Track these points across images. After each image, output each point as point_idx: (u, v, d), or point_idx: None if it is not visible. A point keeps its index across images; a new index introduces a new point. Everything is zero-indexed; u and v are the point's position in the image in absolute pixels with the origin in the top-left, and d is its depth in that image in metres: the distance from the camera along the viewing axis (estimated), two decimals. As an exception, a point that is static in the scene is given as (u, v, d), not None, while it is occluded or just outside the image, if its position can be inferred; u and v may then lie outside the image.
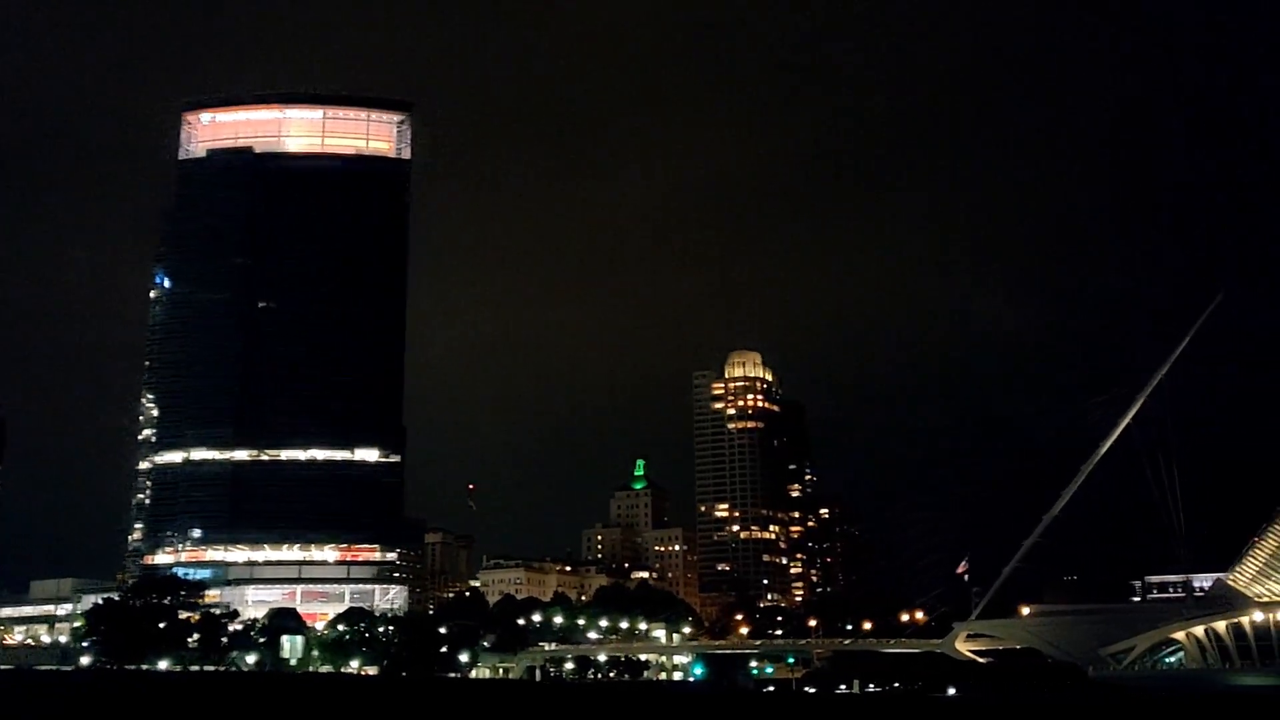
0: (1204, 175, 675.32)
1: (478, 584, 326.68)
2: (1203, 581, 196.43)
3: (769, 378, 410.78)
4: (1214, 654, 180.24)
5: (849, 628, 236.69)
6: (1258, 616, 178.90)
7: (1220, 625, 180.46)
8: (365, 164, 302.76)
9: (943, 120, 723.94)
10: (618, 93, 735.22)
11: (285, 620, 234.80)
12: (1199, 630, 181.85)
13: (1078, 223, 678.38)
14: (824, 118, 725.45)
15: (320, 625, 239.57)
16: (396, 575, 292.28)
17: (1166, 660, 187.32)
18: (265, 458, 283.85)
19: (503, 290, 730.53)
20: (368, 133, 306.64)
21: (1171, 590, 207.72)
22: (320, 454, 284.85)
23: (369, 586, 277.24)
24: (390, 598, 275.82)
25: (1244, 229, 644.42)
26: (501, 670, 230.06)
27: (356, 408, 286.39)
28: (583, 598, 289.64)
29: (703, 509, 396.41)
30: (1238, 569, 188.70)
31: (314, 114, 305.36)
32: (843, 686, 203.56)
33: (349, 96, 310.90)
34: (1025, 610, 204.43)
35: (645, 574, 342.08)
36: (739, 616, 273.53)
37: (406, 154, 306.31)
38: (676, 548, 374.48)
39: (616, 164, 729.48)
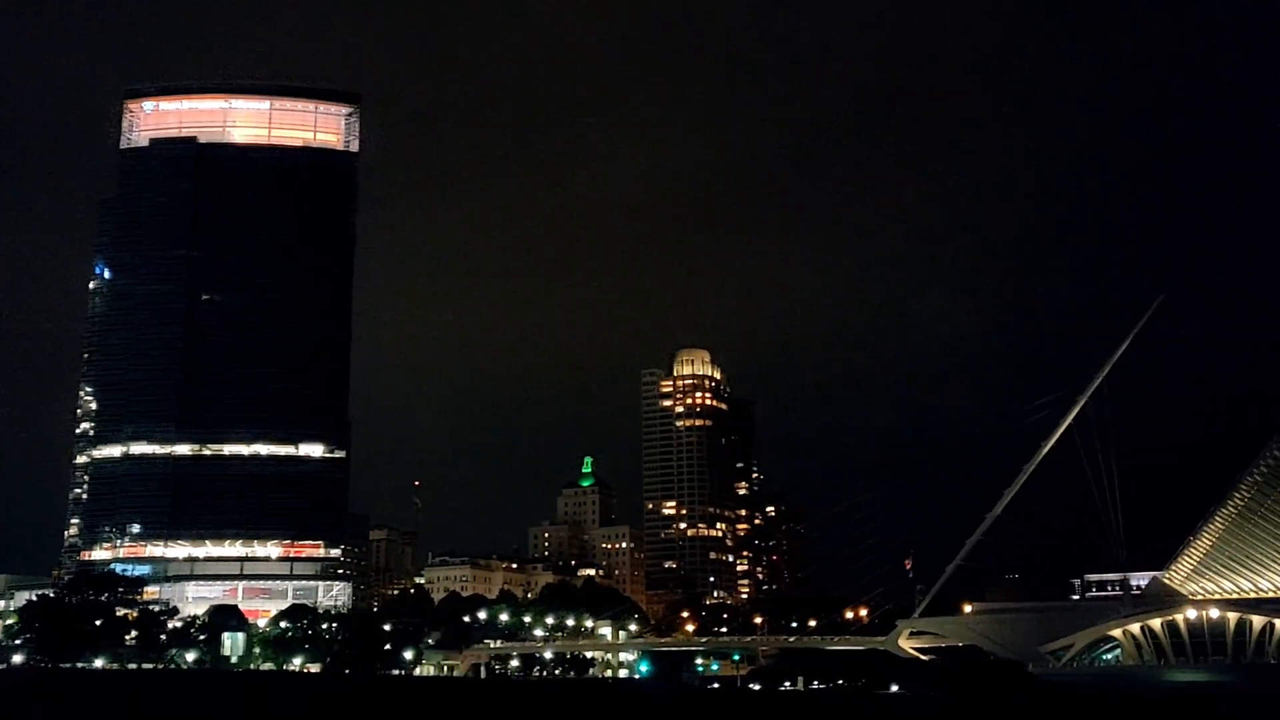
0: (1148, 183, 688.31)
1: (423, 581, 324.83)
2: (1140, 580, 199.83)
3: (718, 376, 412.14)
4: (1150, 651, 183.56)
5: (794, 625, 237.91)
6: (1191, 614, 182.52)
7: (1156, 623, 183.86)
8: (312, 156, 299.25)
9: (896, 125, 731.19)
10: (571, 92, 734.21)
11: (226, 617, 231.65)
12: (1135, 628, 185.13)
13: (1026, 227, 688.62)
14: (777, 120, 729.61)
15: (263, 622, 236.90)
16: (341, 572, 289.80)
17: (1104, 657, 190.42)
18: (207, 453, 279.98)
19: (451, 286, 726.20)
20: (315, 125, 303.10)
21: (1110, 589, 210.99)
22: (264, 449, 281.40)
23: (312, 583, 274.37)
24: (334, 594, 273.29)
25: (1186, 236, 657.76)
26: (446, 668, 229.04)
27: (301, 403, 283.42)
28: (529, 595, 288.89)
29: (650, 506, 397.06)
30: (1173, 568, 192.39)
31: (260, 105, 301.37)
32: (787, 683, 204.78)
33: (296, 87, 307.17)
34: (968, 608, 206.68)
35: (592, 571, 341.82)
36: (685, 614, 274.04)
37: (355, 147, 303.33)
38: (623, 545, 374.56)
39: (569, 163, 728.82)
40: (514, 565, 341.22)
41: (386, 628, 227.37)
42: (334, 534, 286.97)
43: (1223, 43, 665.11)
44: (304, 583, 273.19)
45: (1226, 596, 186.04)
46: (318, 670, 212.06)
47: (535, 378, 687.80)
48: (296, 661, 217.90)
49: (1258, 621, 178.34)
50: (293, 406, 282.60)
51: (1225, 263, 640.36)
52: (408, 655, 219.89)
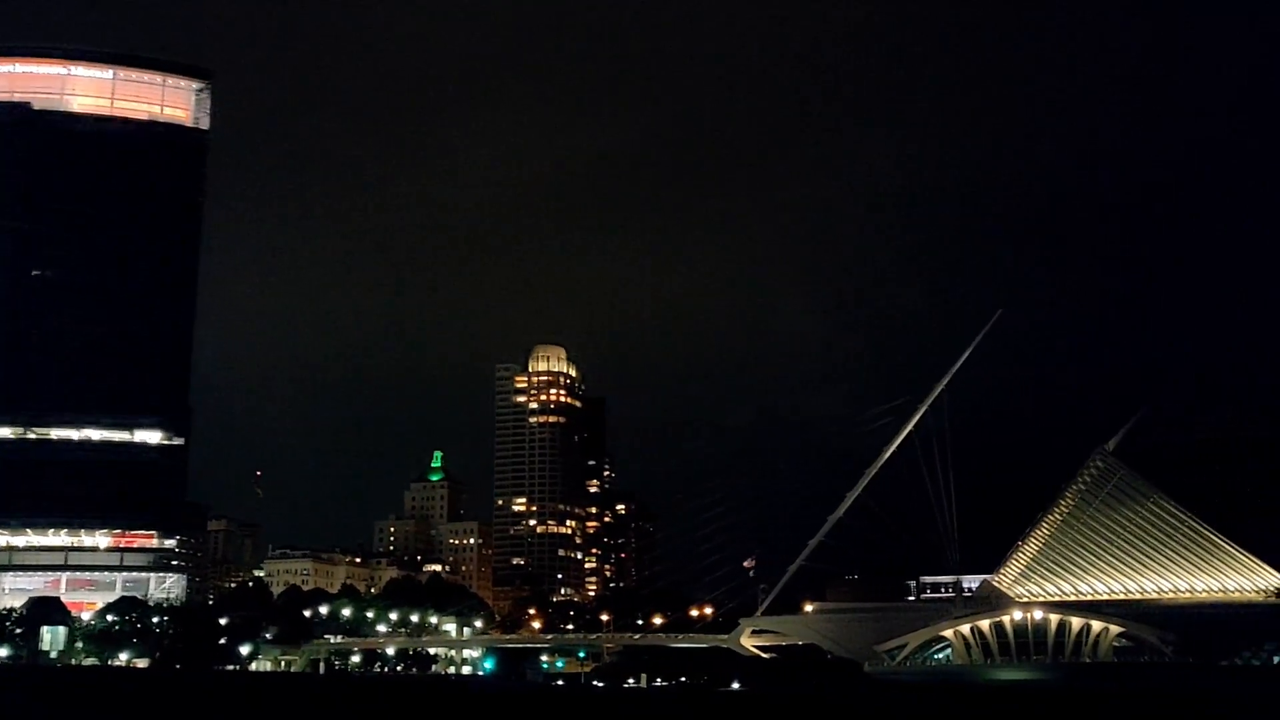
0: (985, 198, 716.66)
1: (262, 574, 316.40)
2: (971, 583, 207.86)
3: (573, 373, 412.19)
4: (978, 650, 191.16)
5: (640, 622, 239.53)
6: (1017, 615, 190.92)
7: (984, 624, 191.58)
8: (159, 131, 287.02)
9: (755, 129, 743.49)
10: (436, 81, 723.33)
11: (46, 610, 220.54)
12: (965, 628, 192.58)
13: (879, 239, 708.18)
14: (639, 120, 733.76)
15: (87, 616, 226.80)
16: (175, 563, 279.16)
17: (936, 656, 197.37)
18: (32, 436, 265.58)
19: (303, 272, 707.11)
20: (163, 99, 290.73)
21: (944, 590, 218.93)
22: (95, 434, 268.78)
23: (144, 575, 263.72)
24: (167, 587, 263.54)
25: (1022, 250, 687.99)
26: (284, 663, 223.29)
27: (138, 387, 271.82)
28: (373, 590, 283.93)
29: (500, 503, 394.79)
30: (1002, 571, 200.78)
31: (103, 74, 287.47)
32: (630, 680, 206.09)
33: (142, 58, 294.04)
34: (809, 607, 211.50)
35: (439, 567, 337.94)
36: (532, 611, 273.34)
37: (205, 124, 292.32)
38: (472, 541, 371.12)
39: (429, 153, 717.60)
40: (358, 559, 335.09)
41: (222, 622, 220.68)
42: (169, 524, 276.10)
43: (1066, 57, 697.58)
44: (135, 574, 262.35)
45: (1050, 599, 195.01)
46: (145, 665, 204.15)
47: (387, 370, 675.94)
48: (123, 657, 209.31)
49: (1076, 623, 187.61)
50: (129, 390, 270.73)
51: (1059, 280, 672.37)
52: (244, 650, 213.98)
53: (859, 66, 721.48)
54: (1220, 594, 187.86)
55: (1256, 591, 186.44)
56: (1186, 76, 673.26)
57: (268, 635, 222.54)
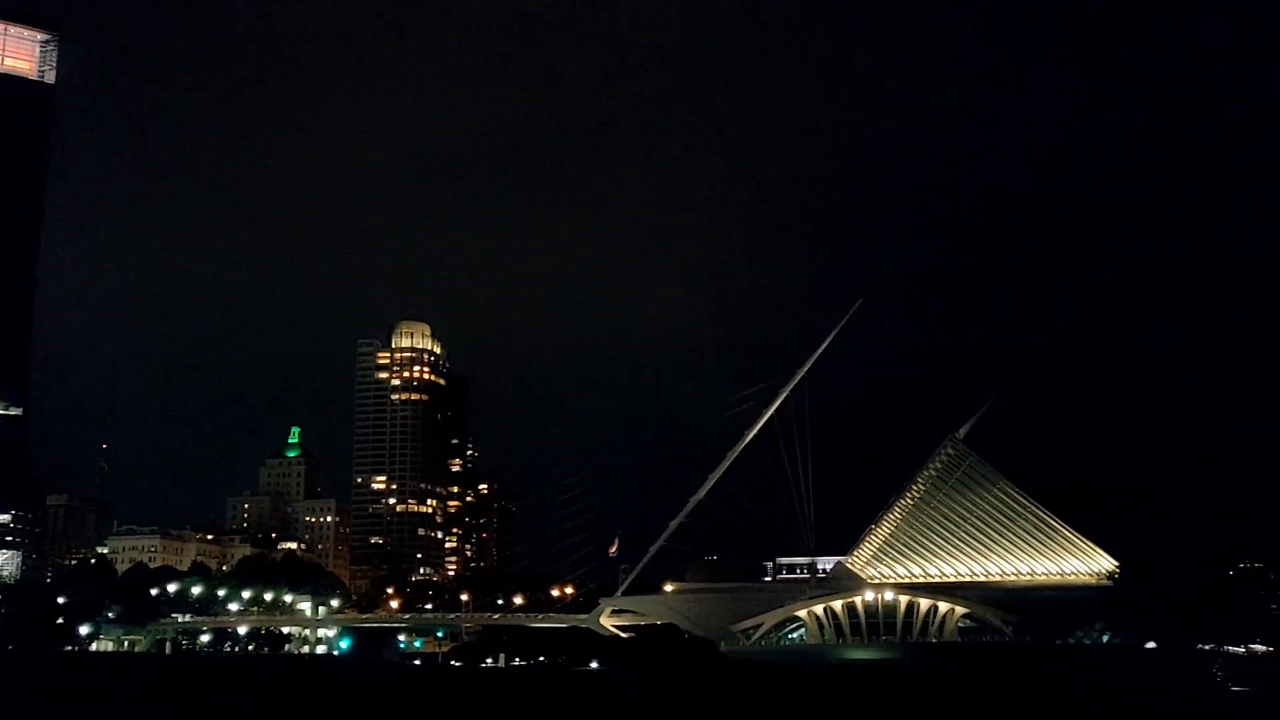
0: (848, 186, 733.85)
1: (106, 551, 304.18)
2: (826, 564, 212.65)
3: (437, 350, 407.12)
4: (830, 630, 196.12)
5: (500, 602, 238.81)
6: (869, 596, 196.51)
7: (837, 604, 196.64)
8: None
9: (624, 112, 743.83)
10: (303, 47, 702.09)
11: None
12: (819, 609, 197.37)
13: (748, 229, 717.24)
14: (510, 98, 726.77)
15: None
16: (10, 539, 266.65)
17: (790, 636, 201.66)
18: None
19: (160, 239, 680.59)
20: (3, 48, 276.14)
21: (799, 571, 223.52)
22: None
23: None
24: (0, 564, 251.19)
25: (886, 242, 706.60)
26: (127, 643, 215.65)
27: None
28: (225, 568, 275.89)
29: (359, 480, 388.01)
30: (855, 553, 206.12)
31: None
32: (489, 660, 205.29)
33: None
34: (668, 587, 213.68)
35: (294, 545, 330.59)
36: (390, 590, 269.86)
37: (51, 78, 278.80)
38: (328, 519, 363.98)
39: (293, 121, 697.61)
40: (210, 537, 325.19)
41: (61, 600, 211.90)
42: (4, 498, 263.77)
43: (938, 53, 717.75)
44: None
45: (900, 580, 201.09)
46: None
47: (245, 343, 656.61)
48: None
49: (924, 604, 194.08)
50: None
51: (918, 272, 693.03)
52: (84, 630, 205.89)
53: (726, 51, 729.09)
54: (1058, 576, 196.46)
55: (1090, 574, 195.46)
56: (1065, 52, 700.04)
57: (110, 614, 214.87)
